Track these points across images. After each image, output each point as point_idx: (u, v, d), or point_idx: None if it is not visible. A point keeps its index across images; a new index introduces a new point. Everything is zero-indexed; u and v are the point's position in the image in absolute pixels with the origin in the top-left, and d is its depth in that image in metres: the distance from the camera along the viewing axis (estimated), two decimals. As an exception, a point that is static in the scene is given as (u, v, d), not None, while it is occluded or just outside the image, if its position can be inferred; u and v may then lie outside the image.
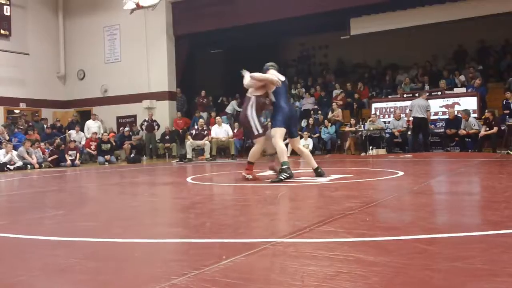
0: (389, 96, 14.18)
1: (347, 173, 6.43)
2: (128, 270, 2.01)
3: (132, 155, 14.08)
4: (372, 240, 2.35)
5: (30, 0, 16.85)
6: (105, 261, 2.17)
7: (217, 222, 3.15)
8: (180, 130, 15.44)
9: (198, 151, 13.44)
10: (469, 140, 11.16)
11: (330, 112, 14.02)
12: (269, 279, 1.76)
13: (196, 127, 13.35)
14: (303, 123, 13.95)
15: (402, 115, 12.54)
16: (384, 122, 12.87)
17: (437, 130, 12.15)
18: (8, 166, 11.29)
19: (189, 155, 12.62)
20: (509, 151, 10.21)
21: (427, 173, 6.84)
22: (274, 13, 13.99)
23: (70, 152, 12.86)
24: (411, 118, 11.70)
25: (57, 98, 17.70)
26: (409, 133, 12.01)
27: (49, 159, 12.62)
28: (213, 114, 15.25)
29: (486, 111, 11.22)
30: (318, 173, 5.66)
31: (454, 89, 13.14)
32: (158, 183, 6.76)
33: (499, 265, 1.83)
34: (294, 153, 10.62)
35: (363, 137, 12.50)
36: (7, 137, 13.16)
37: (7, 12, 15.73)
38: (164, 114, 16.09)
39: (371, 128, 12.38)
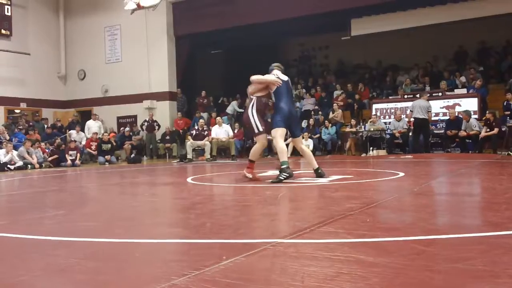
0: (390, 97, 14.19)
1: (347, 174, 6.43)
2: (128, 270, 2.01)
3: (133, 155, 14.08)
4: (373, 241, 2.35)
5: (31, 0, 16.87)
6: (105, 261, 2.17)
7: (217, 222, 3.15)
8: (181, 131, 15.45)
9: (199, 152, 13.45)
10: (470, 141, 11.15)
11: (331, 113, 14.02)
12: (270, 280, 1.76)
13: (196, 127, 13.36)
14: (304, 123, 13.95)
15: (403, 116, 12.54)
16: (385, 123, 12.87)
17: (437, 131, 12.15)
18: (8, 166, 11.30)
19: (189, 156, 12.63)
20: (509, 152, 10.20)
21: (428, 174, 6.84)
22: (275, 13, 14.00)
23: (70, 152, 12.87)
24: (412, 119, 11.70)
25: (58, 98, 17.71)
26: (410, 134, 12.01)
27: (50, 159, 12.63)
28: (213, 114, 15.26)
29: (487, 112, 11.21)
30: (318, 173, 5.68)
31: (455, 90, 13.14)
32: (159, 183, 6.76)
33: (500, 267, 1.82)
34: (294, 153, 10.68)
35: (364, 138, 12.50)
36: (8, 137, 13.17)
37: (8, 12, 15.75)
38: (164, 114, 16.10)
39: (372, 129, 12.38)
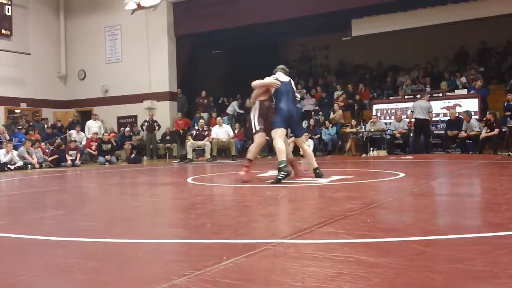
0: (390, 98, 14.19)
1: (348, 174, 6.43)
2: (128, 270, 2.00)
3: (133, 155, 14.08)
4: (373, 241, 2.35)
5: (32, 0, 16.87)
6: (105, 261, 2.17)
7: (217, 222, 3.14)
8: (181, 131, 15.45)
9: (199, 152, 13.44)
10: (470, 141, 11.14)
11: (331, 113, 14.01)
12: (270, 280, 1.76)
13: (196, 127, 13.35)
14: (304, 124, 13.94)
15: (403, 117, 12.54)
16: (385, 124, 12.86)
17: (438, 132, 12.14)
18: (8, 166, 11.30)
19: (189, 156, 12.63)
20: (510, 153, 10.20)
21: (428, 174, 6.84)
22: (275, 13, 13.99)
23: (70, 152, 12.86)
24: (413, 120, 11.70)
25: (58, 98, 17.71)
26: (410, 134, 12.00)
27: (50, 159, 12.63)
28: (213, 114, 15.25)
29: (487, 112, 11.21)
30: (316, 173, 5.73)
31: (455, 90, 13.13)
32: (159, 184, 6.76)
33: (500, 267, 1.82)
34: (294, 153, 10.67)
35: (364, 139, 12.49)
36: (8, 137, 13.17)
37: (8, 12, 15.75)
38: (164, 114, 16.10)
39: (372, 130, 12.37)
